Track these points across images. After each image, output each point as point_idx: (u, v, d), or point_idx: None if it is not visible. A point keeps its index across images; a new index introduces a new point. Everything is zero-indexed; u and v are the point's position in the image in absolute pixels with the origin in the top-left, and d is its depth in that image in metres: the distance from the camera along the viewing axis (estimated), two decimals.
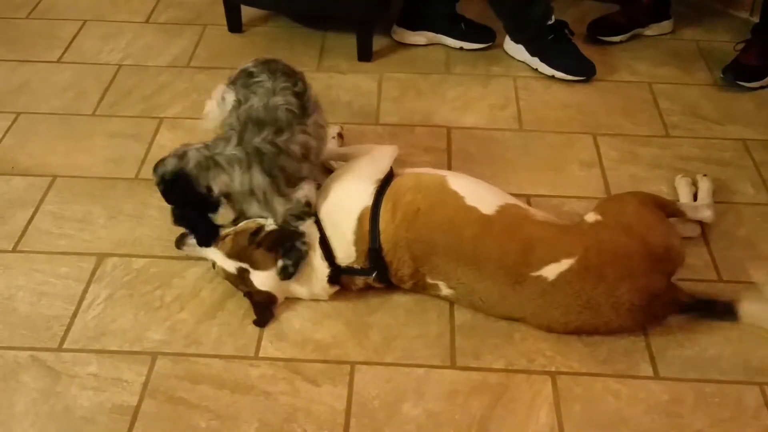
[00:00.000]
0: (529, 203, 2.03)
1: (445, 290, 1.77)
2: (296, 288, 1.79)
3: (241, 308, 1.80)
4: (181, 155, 1.71)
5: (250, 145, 1.72)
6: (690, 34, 2.79)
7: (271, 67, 1.87)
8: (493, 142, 2.28)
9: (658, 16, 2.75)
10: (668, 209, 1.87)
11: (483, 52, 2.67)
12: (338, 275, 1.78)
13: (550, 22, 2.53)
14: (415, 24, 2.69)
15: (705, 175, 2.08)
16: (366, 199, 1.78)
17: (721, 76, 2.51)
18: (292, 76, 1.86)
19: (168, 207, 1.78)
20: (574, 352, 1.70)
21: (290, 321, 1.78)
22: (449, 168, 2.17)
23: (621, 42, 2.71)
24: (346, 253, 1.77)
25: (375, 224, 1.75)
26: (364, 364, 1.69)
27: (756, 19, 2.65)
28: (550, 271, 1.66)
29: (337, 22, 2.75)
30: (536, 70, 2.57)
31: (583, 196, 2.08)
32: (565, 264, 1.66)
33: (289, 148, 1.74)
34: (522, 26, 2.57)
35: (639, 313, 1.68)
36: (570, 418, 1.59)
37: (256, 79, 1.84)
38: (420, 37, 2.70)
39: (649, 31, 2.75)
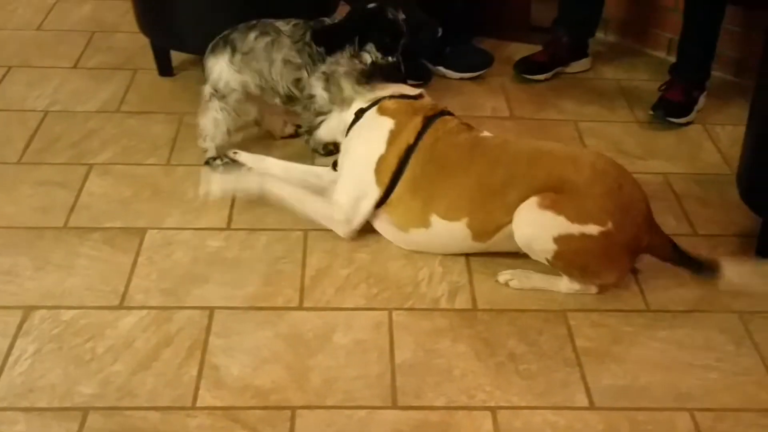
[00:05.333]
0: None
1: None
2: None
3: (177, 357, 1.76)
4: None
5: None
6: (611, 73, 2.90)
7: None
8: None
9: (576, 54, 2.86)
10: None
11: None
12: None
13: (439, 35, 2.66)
14: None
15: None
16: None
17: (651, 113, 2.61)
18: None
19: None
20: (513, 386, 1.72)
21: (228, 368, 1.75)
22: None
23: (546, 80, 2.80)
24: None
25: None
26: (305, 409, 1.67)
27: (673, 59, 2.78)
28: None
29: None
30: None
31: None
32: None
33: None
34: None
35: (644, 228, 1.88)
36: None
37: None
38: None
39: (570, 69, 2.86)
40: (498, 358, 1.79)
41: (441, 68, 2.79)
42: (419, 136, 2.00)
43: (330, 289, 1.95)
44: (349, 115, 2.13)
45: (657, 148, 2.51)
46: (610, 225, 1.81)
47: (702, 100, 2.65)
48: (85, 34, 3.01)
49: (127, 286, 1.94)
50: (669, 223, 2.18)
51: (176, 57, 2.76)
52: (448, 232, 1.97)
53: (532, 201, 1.85)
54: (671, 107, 2.58)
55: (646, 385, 1.74)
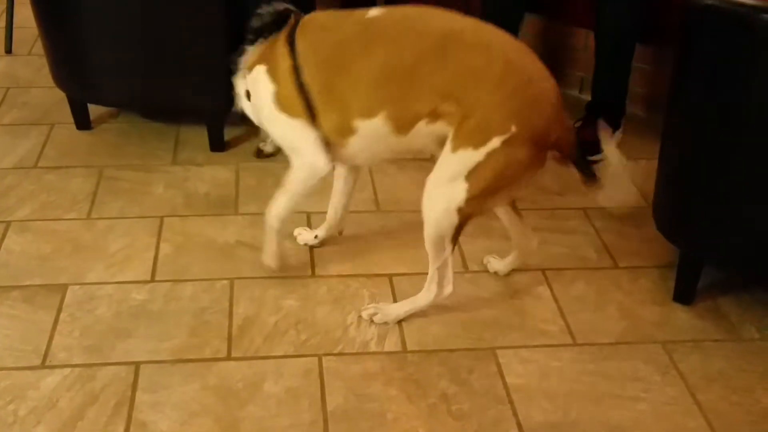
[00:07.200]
0: (391, 282, 2.08)
1: None
2: None
3: (103, 415, 1.71)
4: None
5: None
6: None
7: None
8: (353, 223, 2.33)
9: None
10: None
11: None
12: None
13: None
14: None
15: None
16: None
17: None
18: None
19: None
20: (446, 427, 1.73)
21: (156, 424, 1.71)
22: None
23: None
24: None
25: None
26: None
27: (585, 96, 2.87)
28: None
29: (191, 114, 2.75)
30: None
31: None
32: None
33: None
34: None
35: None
36: None
37: None
38: None
39: None
40: (430, 399, 1.79)
41: None
42: (293, 54, 1.86)
43: (258, 337, 1.93)
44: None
45: (575, 184, 2.56)
46: (513, 129, 1.75)
47: (618, 135, 2.74)
48: None
49: (48, 345, 1.88)
50: (590, 257, 2.25)
51: (94, 110, 2.73)
52: (373, 131, 1.85)
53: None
54: (582, 147, 2.66)
55: (577, 419, 1.76)
